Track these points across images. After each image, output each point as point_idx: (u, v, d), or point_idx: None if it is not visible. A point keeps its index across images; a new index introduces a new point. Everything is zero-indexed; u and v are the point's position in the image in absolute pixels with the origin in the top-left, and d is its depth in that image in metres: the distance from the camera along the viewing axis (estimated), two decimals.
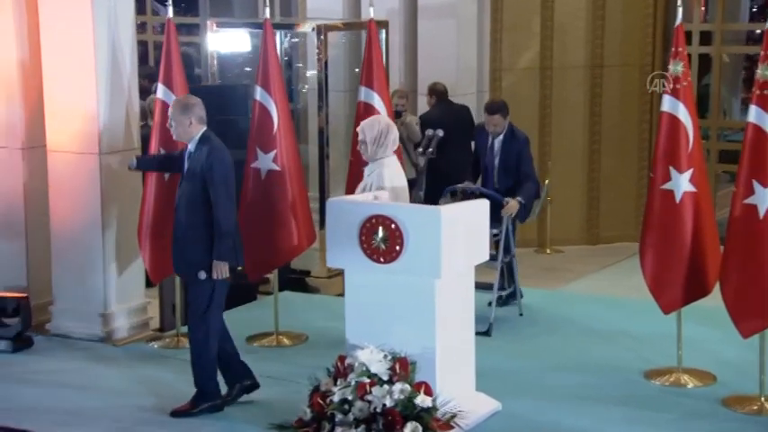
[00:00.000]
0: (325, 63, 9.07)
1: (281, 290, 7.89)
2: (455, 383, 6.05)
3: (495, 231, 7.64)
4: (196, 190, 6.14)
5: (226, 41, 9.61)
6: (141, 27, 12.21)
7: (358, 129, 6.66)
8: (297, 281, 8.94)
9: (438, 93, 9.56)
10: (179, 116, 6.20)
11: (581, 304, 8.54)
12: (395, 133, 6.59)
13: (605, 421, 6.21)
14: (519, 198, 7.91)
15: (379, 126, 6.54)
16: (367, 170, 6.61)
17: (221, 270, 6.14)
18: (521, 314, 8.16)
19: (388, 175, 6.47)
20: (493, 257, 7.60)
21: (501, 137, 8.10)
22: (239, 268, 6.39)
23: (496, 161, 8.11)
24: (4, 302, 7.49)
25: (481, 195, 7.60)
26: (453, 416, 5.86)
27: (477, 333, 7.27)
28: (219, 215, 6.11)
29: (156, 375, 6.87)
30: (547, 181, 10.11)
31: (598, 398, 6.55)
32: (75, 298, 7.60)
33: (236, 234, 6.28)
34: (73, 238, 7.58)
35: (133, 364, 7.20)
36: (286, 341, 7.58)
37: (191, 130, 6.20)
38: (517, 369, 7.06)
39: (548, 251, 10.47)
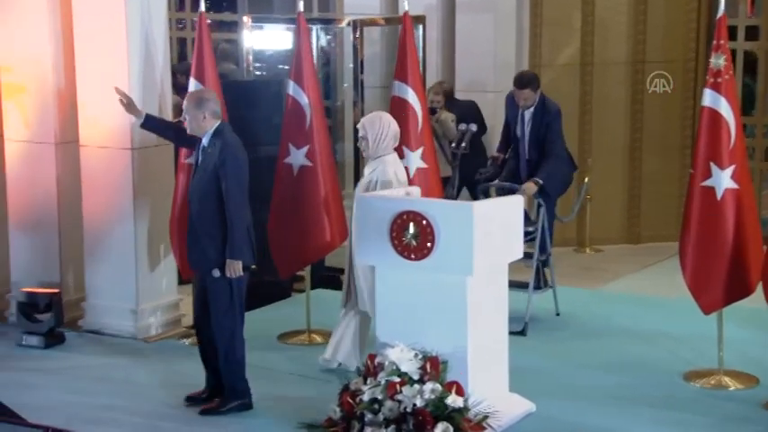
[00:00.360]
0: (362, 59, 8.97)
1: (314, 287, 7.82)
2: (488, 383, 5.92)
3: (530, 229, 7.50)
4: (209, 184, 6.06)
5: (262, 38, 9.54)
6: (181, 24, 12.21)
7: (358, 125, 6.58)
8: (331, 278, 8.83)
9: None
10: (193, 110, 6.12)
11: (619, 304, 8.37)
12: (396, 130, 6.52)
13: (642, 423, 6.06)
14: (536, 178, 7.73)
15: (381, 123, 6.48)
16: (368, 167, 6.54)
17: (235, 268, 6.05)
18: (557, 314, 8.01)
19: (393, 172, 6.38)
20: (529, 255, 7.47)
21: (531, 108, 7.93)
22: (253, 267, 6.29)
23: (527, 133, 7.93)
24: (37, 298, 7.46)
25: (512, 192, 7.47)
26: (485, 417, 5.74)
27: (512, 333, 7.15)
28: (232, 212, 6.02)
29: (186, 373, 6.80)
30: (587, 179, 9.94)
31: (635, 399, 6.40)
32: (106, 294, 7.57)
33: (250, 231, 6.18)
34: (105, 234, 7.54)
35: (164, 360, 7.15)
36: (318, 339, 7.48)
37: (204, 124, 6.12)
38: (552, 369, 6.92)
39: (587, 250, 10.29)
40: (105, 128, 7.39)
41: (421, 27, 9.39)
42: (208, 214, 6.08)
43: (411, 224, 5.78)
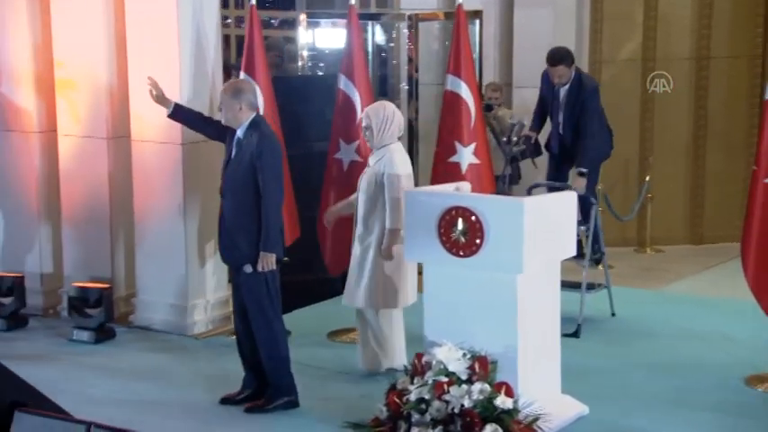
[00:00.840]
0: (416, 54, 8.84)
1: None
2: (538, 385, 5.77)
3: (582, 228, 7.32)
4: (245, 177, 5.96)
5: (319, 35, 9.47)
6: (240, 22, 12.18)
7: (363, 114, 6.48)
8: None
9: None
10: (229, 100, 6.01)
11: (679, 306, 8.15)
12: (400, 119, 6.43)
13: (699, 428, 5.87)
14: (580, 169, 7.52)
15: (385, 112, 6.38)
16: (373, 158, 6.43)
17: (268, 261, 5.95)
18: (612, 314, 7.81)
19: (399, 161, 6.27)
20: (582, 256, 7.30)
21: (567, 85, 7.71)
22: (285, 259, 6.20)
23: (561, 112, 7.73)
24: (87, 293, 7.45)
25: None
26: (536, 419, 5.57)
27: (565, 335, 7.03)
28: (268, 205, 5.91)
29: (234, 370, 6.68)
30: (648, 177, 9.72)
31: (693, 404, 6.20)
32: (156, 290, 7.54)
33: (282, 224, 6.10)
34: (155, 229, 7.51)
35: (212, 357, 7.09)
36: None
37: (240, 115, 6.01)
38: (607, 371, 6.74)
39: (648, 250, 10.05)
40: (156, 123, 7.35)
41: (478, 22, 9.23)
42: (243, 208, 5.98)
43: (459, 220, 5.64)
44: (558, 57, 7.72)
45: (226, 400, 6.27)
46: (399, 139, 6.50)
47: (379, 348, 6.59)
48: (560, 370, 6.02)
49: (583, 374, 6.51)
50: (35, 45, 7.84)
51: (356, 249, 6.49)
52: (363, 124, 6.39)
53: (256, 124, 6.03)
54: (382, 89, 10.04)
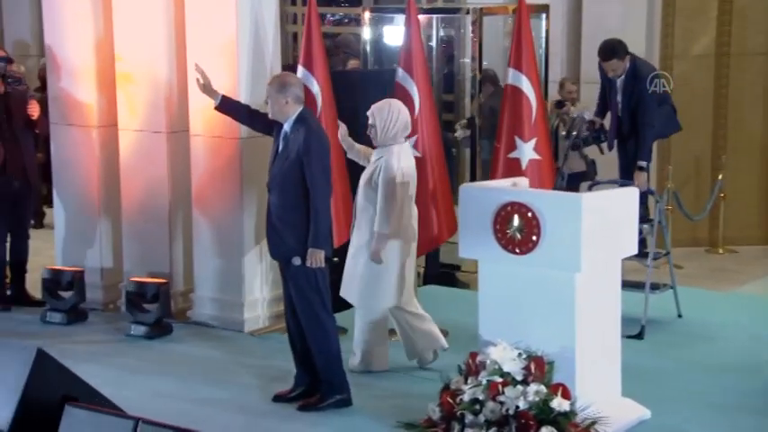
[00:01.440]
0: (480, 49, 8.68)
1: (427, 284, 7.55)
2: (597, 387, 5.59)
3: (645, 226, 7.11)
4: (292, 171, 5.84)
5: (384, 31, 9.37)
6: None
7: (368, 112, 6.35)
8: (447, 275, 8.59)
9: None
10: (275, 94, 5.91)
11: (750, 308, 7.87)
12: (406, 118, 6.30)
13: None
14: (640, 163, 7.32)
15: (390, 109, 6.26)
16: (375, 155, 6.31)
17: (317, 258, 5.84)
18: (679, 315, 7.57)
19: (396, 164, 6.16)
20: (645, 255, 7.10)
21: (623, 76, 7.51)
22: (335, 259, 6.09)
23: (619, 102, 7.53)
24: (144, 288, 7.42)
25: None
26: (593, 422, 5.40)
27: (629, 336, 6.87)
28: (317, 200, 5.81)
29: (288, 367, 6.58)
30: (720, 176, 9.45)
31: (762, 410, 5.95)
32: (213, 286, 7.48)
33: (330, 221, 6.01)
34: (213, 225, 7.47)
35: (267, 354, 7.00)
36: None
37: (287, 109, 5.91)
38: (671, 374, 6.53)
39: (720, 251, 9.77)
40: (214, 116, 7.26)
41: (544, 16, 9.05)
42: (291, 203, 5.88)
43: (515, 216, 5.48)
44: (610, 51, 7.61)
45: (278, 398, 6.18)
46: (407, 139, 6.41)
47: (418, 335, 6.55)
48: (621, 372, 5.83)
49: (646, 377, 6.32)
50: (96, 40, 7.84)
51: (352, 241, 6.45)
52: (369, 122, 6.30)
53: (303, 118, 5.94)
54: (448, 85, 9.92)
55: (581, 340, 5.49)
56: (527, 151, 7.06)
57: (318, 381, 6.08)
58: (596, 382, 5.60)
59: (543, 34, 9.14)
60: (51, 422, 4.74)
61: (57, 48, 8.00)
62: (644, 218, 7.44)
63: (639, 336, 7.08)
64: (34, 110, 7.88)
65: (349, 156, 6.68)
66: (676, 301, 7.59)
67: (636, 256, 6.08)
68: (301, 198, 5.84)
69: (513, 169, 7.00)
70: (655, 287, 7.45)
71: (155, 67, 7.63)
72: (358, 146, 6.64)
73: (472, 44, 8.75)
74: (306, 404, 6.07)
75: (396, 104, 6.38)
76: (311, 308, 5.95)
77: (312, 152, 5.81)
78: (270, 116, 6.03)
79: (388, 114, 6.25)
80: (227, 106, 6.50)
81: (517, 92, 7.10)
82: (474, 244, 5.67)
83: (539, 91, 7.18)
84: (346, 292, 6.51)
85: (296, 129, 5.91)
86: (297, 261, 5.89)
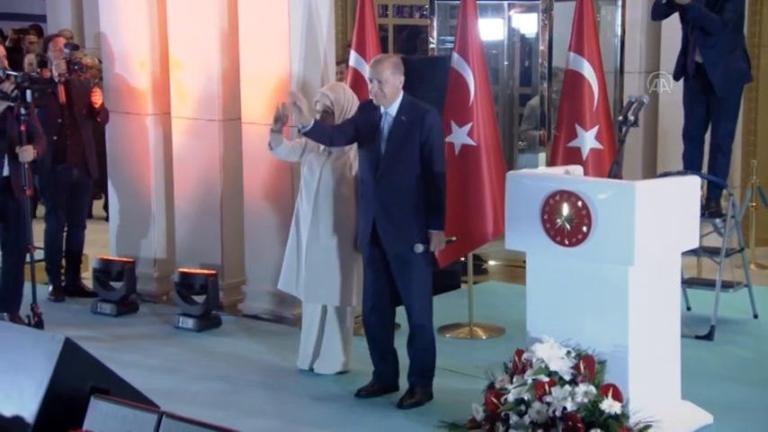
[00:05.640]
0: (550, 37, 8.33)
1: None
2: (653, 389, 5.24)
3: (717, 220, 6.70)
4: (408, 155, 5.62)
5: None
6: (383, 9, 11.91)
7: (317, 96, 6.07)
8: (513, 270, 8.26)
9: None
10: (390, 75, 5.61)
11: None
12: (356, 101, 6.01)
13: None
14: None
15: (345, 92, 6.02)
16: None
17: (440, 240, 5.68)
18: (755, 316, 7.12)
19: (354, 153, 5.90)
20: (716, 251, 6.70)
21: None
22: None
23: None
24: (192, 279, 7.25)
25: None
26: (647, 426, 5.07)
27: (698, 337, 6.51)
28: (440, 181, 5.65)
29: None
30: None
31: None
32: (265, 278, 7.26)
33: None
34: (264, 215, 7.27)
35: None
36: (480, 333, 6.96)
37: (399, 91, 5.66)
38: (738, 378, 6.13)
39: None
40: (266, 104, 7.10)
41: (620, 4, 8.66)
42: (410, 185, 5.65)
43: (565, 205, 5.15)
44: None
45: (360, 393, 5.97)
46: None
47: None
48: (683, 374, 5.46)
49: (711, 380, 5.97)
50: (150, 28, 7.72)
51: (312, 235, 6.25)
52: (320, 107, 6.01)
53: (413, 101, 5.70)
54: (526, 78, 9.62)
55: (635, 338, 5.14)
56: (588, 140, 6.72)
57: (397, 372, 5.93)
58: (652, 383, 5.25)
59: (618, 22, 8.76)
60: (79, 413, 4.60)
61: (112, 36, 7.90)
62: (716, 212, 7.05)
63: (709, 336, 6.68)
64: (97, 98, 7.79)
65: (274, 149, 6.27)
66: (752, 301, 7.15)
67: (707, 252, 5.68)
68: (421, 181, 5.64)
69: (574, 159, 6.64)
70: (728, 285, 7.01)
71: (207, 54, 7.47)
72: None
73: (542, 32, 8.40)
74: (411, 402, 5.83)
75: (347, 86, 6.19)
76: (426, 294, 5.79)
77: (435, 132, 5.65)
78: (374, 100, 5.69)
79: (343, 97, 6.01)
80: (316, 132, 5.89)
81: (578, 77, 6.75)
82: (521, 235, 5.34)
83: (601, 77, 6.81)
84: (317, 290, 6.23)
85: (408, 110, 5.65)
86: (419, 248, 5.69)
